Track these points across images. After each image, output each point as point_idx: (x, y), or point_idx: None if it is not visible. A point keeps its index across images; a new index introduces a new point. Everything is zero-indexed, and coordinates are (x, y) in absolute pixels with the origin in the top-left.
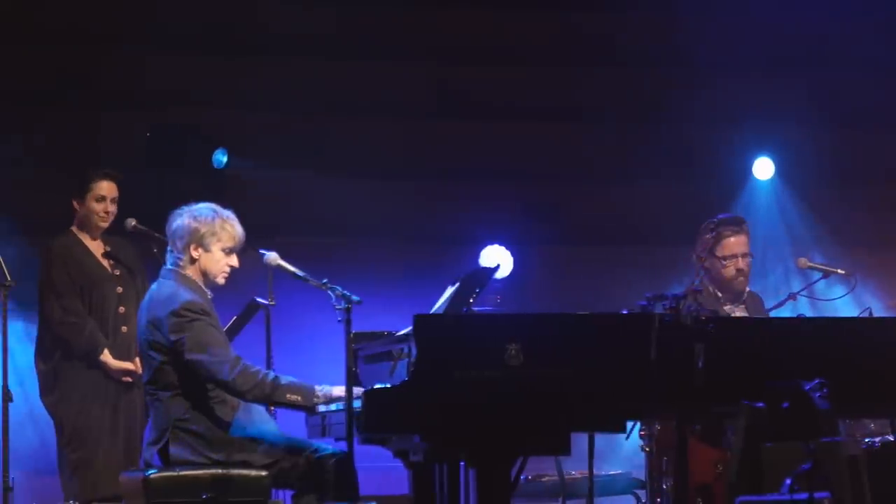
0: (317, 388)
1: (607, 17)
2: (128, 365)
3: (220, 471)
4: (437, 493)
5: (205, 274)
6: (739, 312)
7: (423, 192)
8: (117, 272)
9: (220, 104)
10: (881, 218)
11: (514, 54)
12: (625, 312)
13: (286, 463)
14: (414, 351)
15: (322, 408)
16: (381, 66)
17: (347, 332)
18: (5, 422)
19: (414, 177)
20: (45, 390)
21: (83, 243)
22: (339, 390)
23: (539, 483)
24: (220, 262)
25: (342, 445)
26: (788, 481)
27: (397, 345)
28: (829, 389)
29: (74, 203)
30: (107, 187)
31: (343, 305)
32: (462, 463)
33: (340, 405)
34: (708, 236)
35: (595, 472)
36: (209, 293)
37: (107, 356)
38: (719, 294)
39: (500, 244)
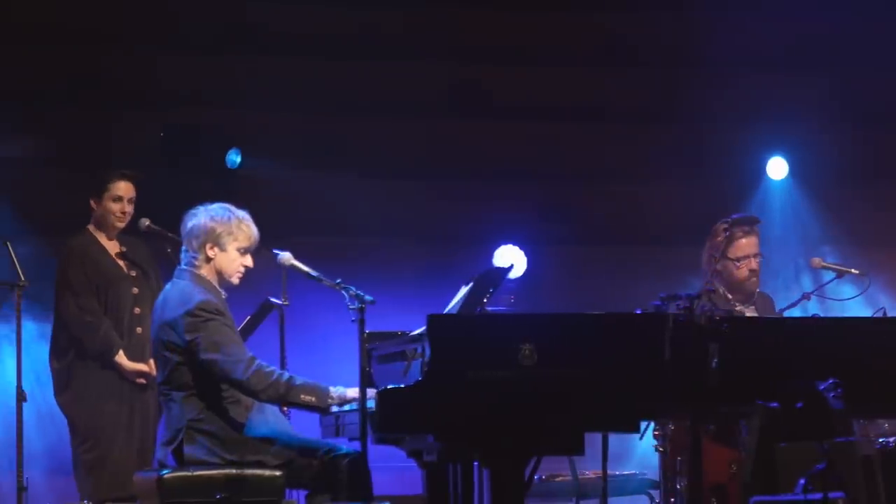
0: (331, 389)
1: (622, 17)
2: (142, 366)
3: (234, 471)
4: (450, 493)
5: (220, 274)
6: (750, 313)
7: (437, 191)
8: (133, 273)
9: (235, 104)
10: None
11: (529, 54)
12: (639, 312)
13: (300, 463)
14: (427, 351)
15: (335, 408)
16: (396, 66)
17: (361, 332)
18: (20, 422)
19: (428, 176)
20: (59, 389)
21: (100, 242)
22: (354, 392)
23: (553, 483)
24: (235, 261)
25: (356, 445)
26: (802, 481)
27: (411, 345)
28: (842, 389)
29: (91, 202)
30: (124, 188)
31: (357, 305)
32: (476, 463)
33: (354, 405)
34: (720, 238)
35: (609, 472)
36: (223, 293)
37: (121, 357)
38: (729, 296)
39: (514, 244)
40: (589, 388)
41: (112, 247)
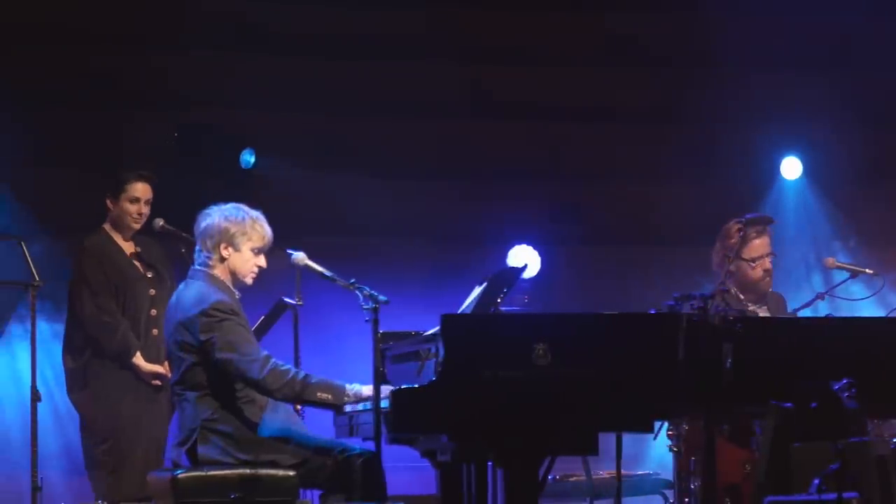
0: (347, 386)
1: (635, 17)
2: (158, 368)
3: (248, 471)
4: (464, 493)
5: (233, 274)
6: (763, 313)
7: (451, 191)
8: (149, 274)
9: (248, 104)
10: None
11: (542, 55)
12: (653, 312)
13: (314, 463)
14: (441, 351)
15: (349, 407)
16: (410, 66)
17: (375, 331)
18: (34, 422)
19: (442, 176)
20: (73, 387)
21: (116, 242)
22: (370, 389)
23: (567, 483)
24: (249, 261)
25: (370, 445)
26: (817, 481)
27: (425, 345)
28: (856, 389)
29: (108, 202)
30: (141, 189)
31: (370, 305)
32: (490, 463)
33: (368, 405)
34: (733, 240)
35: (623, 472)
36: (237, 293)
37: (139, 358)
38: (741, 296)
39: (528, 244)
40: (603, 388)
41: (128, 247)
